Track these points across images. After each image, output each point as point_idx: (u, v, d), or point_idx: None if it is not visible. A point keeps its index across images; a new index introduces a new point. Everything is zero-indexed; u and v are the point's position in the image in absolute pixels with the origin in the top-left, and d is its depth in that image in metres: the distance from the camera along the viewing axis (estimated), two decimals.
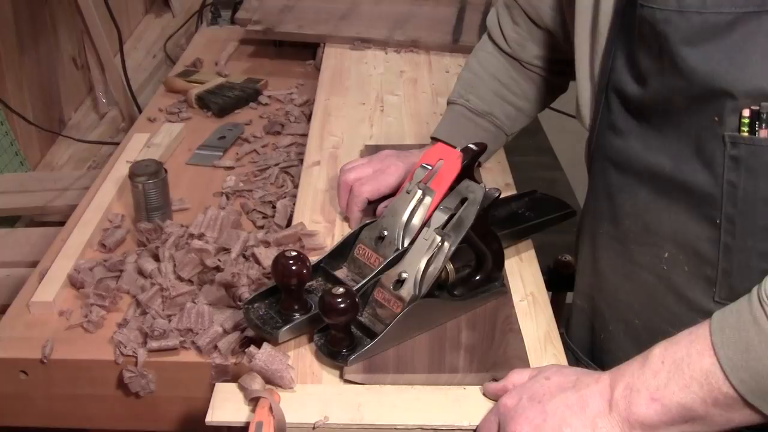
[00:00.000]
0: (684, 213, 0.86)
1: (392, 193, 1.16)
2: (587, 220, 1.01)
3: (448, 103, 1.25)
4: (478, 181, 1.00)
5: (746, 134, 0.78)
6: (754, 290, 0.72)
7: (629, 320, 0.96)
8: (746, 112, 0.77)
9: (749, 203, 0.80)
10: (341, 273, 1.04)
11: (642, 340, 0.91)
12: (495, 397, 0.87)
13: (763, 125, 0.76)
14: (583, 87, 0.97)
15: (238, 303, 1.07)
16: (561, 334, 1.02)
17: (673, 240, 0.88)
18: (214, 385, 0.90)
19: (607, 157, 0.94)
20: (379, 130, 1.51)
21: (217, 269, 1.12)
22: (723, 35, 0.77)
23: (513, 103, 1.21)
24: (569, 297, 1.31)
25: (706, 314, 0.78)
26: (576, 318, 1.08)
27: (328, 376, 0.92)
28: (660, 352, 0.76)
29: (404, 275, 0.95)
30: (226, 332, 1.04)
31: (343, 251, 1.05)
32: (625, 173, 0.92)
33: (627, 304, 0.96)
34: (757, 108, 0.76)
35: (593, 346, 1.05)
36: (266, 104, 1.77)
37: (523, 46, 1.19)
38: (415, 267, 0.95)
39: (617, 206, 0.94)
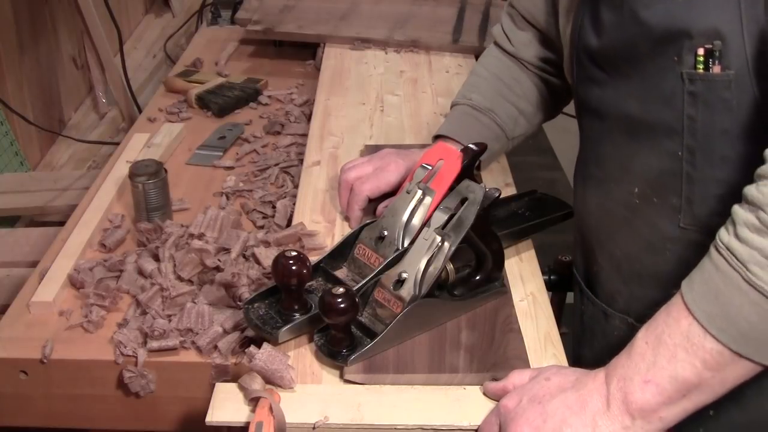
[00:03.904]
0: (651, 150, 0.94)
1: (393, 191, 1.16)
2: (579, 166, 1.11)
3: (452, 105, 1.26)
4: (478, 182, 1.00)
5: (701, 71, 0.85)
6: (711, 244, 0.76)
7: (612, 251, 1.05)
8: (701, 51, 0.85)
9: (707, 135, 0.88)
10: (341, 273, 1.04)
11: (623, 270, 1.04)
12: (495, 398, 0.87)
13: (716, 62, 0.85)
14: (566, 52, 1.07)
15: (238, 303, 1.07)
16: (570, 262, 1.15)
17: (642, 176, 0.96)
18: (214, 385, 0.90)
19: (588, 108, 1.04)
20: (379, 130, 1.51)
21: (217, 269, 1.12)
22: None
23: (515, 104, 1.22)
24: (569, 297, 1.31)
25: (674, 241, 0.94)
26: (577, 255, 1.18)
27: (328, 376, 0.92)
28: (642, 335, 0.78)
29: (404, 275, 0.95)
30: (226, 332, 1.04)
31: (343, 251, 1.05)
32: (603, 120, 1.01)
33: (609, 236, 1.05)
34: (711, 46, 0.84)
35: (589, 279, 1.14)
36: (266, 104, 1.77)
37: (526, 46, 1.22)
38: (415, 267, 0.95)
39: (599, 151, 1.04)
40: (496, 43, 1.27)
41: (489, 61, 1.27)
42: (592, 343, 1.15)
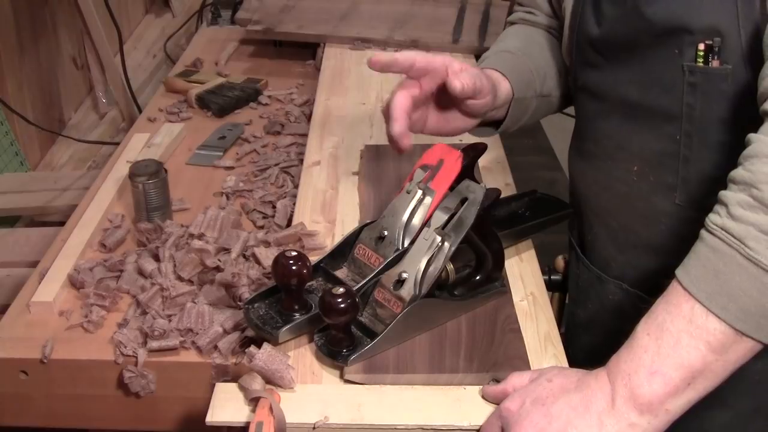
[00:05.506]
0: (650, 132, 0.99)
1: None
2: (575, 141, 1.17)
3: (481, 60, 1.23)
4: (478, 181, 1.00)
5: (701, 64, 0.92)
6: (701, 230, 0.77)
7: (608, 222, 1.11)
8: (701, 46, 0.91)
9: (704, 121, 0.94)
10: (341, 273, 1.04)
11: (618, 238, 1.09)
12: (495, 401, 0.87)
13: (715, 57, 0.91)
14: (566, 34, 1.11)
15: (238, 303, 1.07)
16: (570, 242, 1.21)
17: (641, 156, 1.02)
18: (214, 385, 0.90)
19: (585, 89, 1.09)
20: (379, 130, 1.51)
21: (217, 269, 1.12)
22: None
23: (541, 62, 1.20)
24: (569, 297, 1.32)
25: (669, 215, 1.00)
26: (573, 221, 1.22)
27: (328, 376, 0.92)
28: (642, 327, 0.78)
29: (404, 275, 0.95)
30: (226, 332, 1.04)
31: (343, 251, 1.05)
32: (601, 102, 1.06)
33: (606, 209, 1.11)
34: (711, 42, 0.91)
35: (584, 245, 1.19)
36: (266, 104, 1.77)
37: (539, 14, 1.24)
38: (416, 267, 0.95)
39: (596, 129, 1.09)
40: (513, 21, 1.27)
41: (508, 30, 1.27)
42: (586, 304, 1.19)
